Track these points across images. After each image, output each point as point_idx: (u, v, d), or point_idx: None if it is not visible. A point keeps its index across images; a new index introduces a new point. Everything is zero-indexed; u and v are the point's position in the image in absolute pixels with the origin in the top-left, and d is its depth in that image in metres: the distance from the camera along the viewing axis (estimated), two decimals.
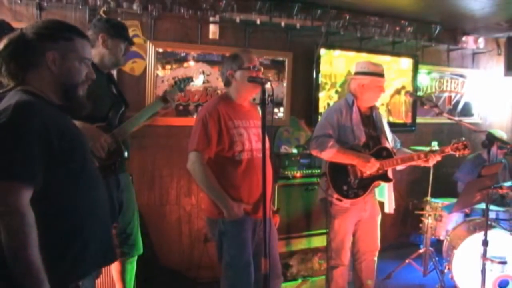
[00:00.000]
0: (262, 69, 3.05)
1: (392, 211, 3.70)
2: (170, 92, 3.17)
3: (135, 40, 4.23)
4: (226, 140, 2.87)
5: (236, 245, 2.92)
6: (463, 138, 3.53)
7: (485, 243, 3.45)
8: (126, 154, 2.99)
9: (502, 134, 5.12)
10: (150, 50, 4.31)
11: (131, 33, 4.20)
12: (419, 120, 5.80)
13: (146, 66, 4.32)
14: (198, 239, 4.63)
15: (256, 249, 2.98)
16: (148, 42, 4.29)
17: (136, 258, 3.27)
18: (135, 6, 4.13)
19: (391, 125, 5.27)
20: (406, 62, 5.64)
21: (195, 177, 2.90)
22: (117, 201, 2.98)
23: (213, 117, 2.87)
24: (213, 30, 4.54)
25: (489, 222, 3.75)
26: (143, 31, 4.28)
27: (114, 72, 4.15)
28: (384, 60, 5.13)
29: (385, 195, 3.70)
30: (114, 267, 3.22)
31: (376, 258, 3.73)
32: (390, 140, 3.66)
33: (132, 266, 3.26)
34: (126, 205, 3.09)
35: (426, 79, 5.98)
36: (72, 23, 3.71)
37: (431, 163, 3.56)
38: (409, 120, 5.73)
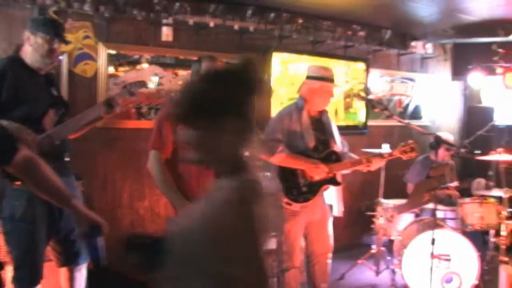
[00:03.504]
0: None
1: (341, 214, 3.76)
2: (115, 97, 3.09)
3: (86, 41, 4.15)
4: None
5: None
6: (411, 141, 3.61)
7: (433, 241, 3.55)
8: (66, 156, 2.91)
9: (448, 136, 5.28)
10: (102, 52, 4.23)
11: (82, 34, 4.13)
12: (370, 122, 5.93)
13: (98, 68, 4.23)
14: None
15: None
16: (100, 43, 4.20)
17: (85, 265, 3.18)
18: (86, 7, 4.04)
19: (344, 128, 5.40)
20: (358, 66, 5.75)
21: (153, 175, 2.96)
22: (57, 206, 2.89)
23: (169, 118, 2.91)
24: (166, 33, 4.49)
25: (437, 222, 3.87)
26: (95, 32, 4.18)
27: (64, 74, 4.07)
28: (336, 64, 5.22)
29: (333, 198, 3.74)
30: (63, 275, 3.12)
31: (329, 261, 3.77)
32: (339, 144, 3.71)
33: (81, 274, 3.16)
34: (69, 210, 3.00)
35: (378, 82, 6.12)
36: (20, 23, 3.67)
37: (373, 167, 3.63)
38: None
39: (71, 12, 4.01)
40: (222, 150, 1.41)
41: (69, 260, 3.06)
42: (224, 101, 1.38)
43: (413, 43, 6.21)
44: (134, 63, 4.43)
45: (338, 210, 3.77)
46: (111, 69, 4.31)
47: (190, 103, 1.37)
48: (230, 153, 1.42)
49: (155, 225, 4.56)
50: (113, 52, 4.30)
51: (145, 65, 4.46)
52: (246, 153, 1.44)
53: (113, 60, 4.31)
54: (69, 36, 3.97)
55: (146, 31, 4.41)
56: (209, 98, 1.37)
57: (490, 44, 5.82)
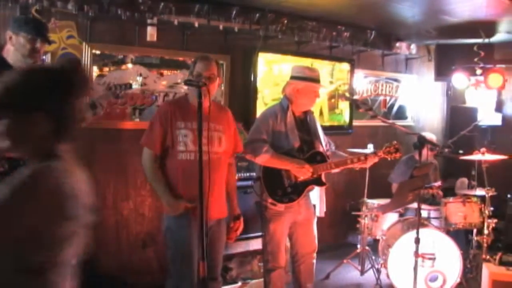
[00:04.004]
0: (212, 79, 3.01)
1: (323, 215, 3.77)
2: (100, 98, 3.08)
3: (70, 41, 4.11)
4: (170, 139, 2.99)
5: (176, 241, 3.03)
6: (395, 142, 3.63)
7: (417, 241, 3.58)
8: None
9: (432, 136, 5.33)
10: (86, 52, 4.18)
11: (65, 33, 4.08)
12: (355, 123, 5.96)
13: None
14: (136, 244, 4.54)
15: (207, 250, 2.99)
16: (84, 43, 4.16)
17: None
18: (70, 6, 3.99)
19: (329, 128, 5.42)
20: (342, 66, 5.77)
21: (144, 172, 3.09)
22: None
23: (161, 117, 3.03)
24: (151, 33, 4.46)
25: (421, 221, 3.90)
26: (79, 32, 4.14)
27: None
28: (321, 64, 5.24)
29: (316, 198, 3.75)
30: None
31: (314, 260, 3.78)
32: (324, 144, 3.72)
33: None
34: None
35: (362, 82, 6.15)
36: (1, 22, 3.61)
37: (369, 164, 3.65)
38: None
39: (54, 11, 3.96)
40: (30, 142, 1.48)
41: None
42: (35, 96, 1.44)
43: (397, 44, 6.26)
44: (118, 63, 4.40)
45: (320, 210, 3.77)
46: (96, 69, 4.27)
47: (2, 93, 1.43)
48: (39, 146, 1.48)
49: (139, 226, 4.54)
50: (97, 52, 4.26)
51: (129, 65, 4.43)
52: (62, 146, 1.53)
53: (98, 60, 4.28)
54: (52, 36, 3.94)
55: (130, 31, 4.38)
56: (20, 91, 1.44)
57: (472, 45, 5.89)
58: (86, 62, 4.17)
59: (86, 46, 4.17)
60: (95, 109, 3.03)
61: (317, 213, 3.77)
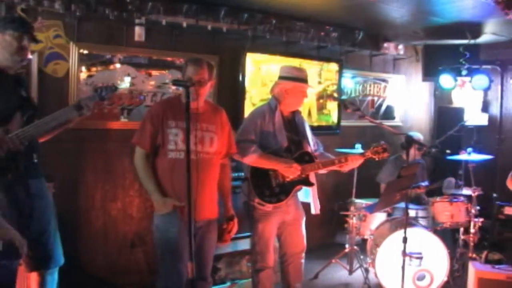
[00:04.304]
0: (202, 83, 3.01)
1: (318, 212, 3.77)
2: (86, 99, 3.04)
3: (57, 41, 4.08)
4: (161, 138, 3.00)
5: (164, 240, 3.03)
6: (382, 142, 3.65)
7: (405, 240, 3.60)
8: (35, 158, 2.86)
9: (419, 136, 5.37)
10: (73, 51, 4.16)
11: (52, 33, 4.06)
12: (343, 123, 5.98)
13: (69, 68, 4.16)
14: (124, 244, 4.52)
15: (196, 250, 2.99)
16: (71, 43, 4.14)
17: (57, 269, 3.12)
18: (57, 5, 3.97)
19: (317, 128, 5.44)
20: (331, 67, 5.79)
21: (136, 170, 3.08)
22: (27, 207, 2.83)
23: (153, 115, 3.05)
24: (138, 33, 4.45)
25: (409, 220, 3.93)
26: (66, 31, 4.11)
27: (34, 74, 4.00)
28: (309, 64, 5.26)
29: (310, 197, 3.76)
30: (33, 279, 3.05)
31: (303, 260, 3.79)
32: (312, 144, 3.73)
33: (53, 278, 3.10)
34: (39, 212, 2.93)
35: (350, 83, 6.18)
36: None
37: (357, 164, 3.65)
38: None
39: (41, 10, 3.94)
40: None
41: (40, 264, 2.98)
42: None
43: (385, 44, 6.30)
44: (106, 63, 4.38)
45: (315, 208, 3.76)
46: (83, 69, 4.24)
47: None
48: None
49: (128, 227, 4.53)
50: (85, 51, 4.23)
51: (117, 65, 4.41)
52: None
53: (85, 60, 4.25)
54: (39, 35, 3.90)
55: (118, 31, 4.37)
56: None
57: (459, 46, 5.95)
58: (73, 62, 4.15)
59: (74, 46, 4.15)
60: (81, 110, 2.98)
61: (312, 211, 3.76)
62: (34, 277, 3.01)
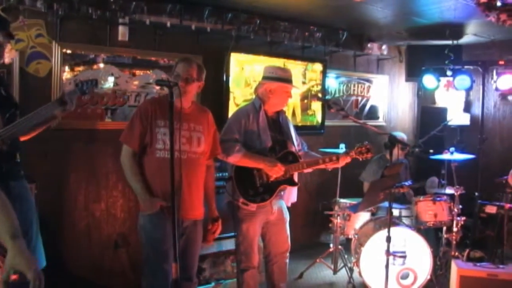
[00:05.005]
0: (189, 80, 3.03)
1: (288, 204, 3.76)
2: (69, 94, 3.00)
3: (39, 40, 4.03)
4: (149, 136, 3.00)
5: (150, 240, 3.03)
6: (366, 142, 3.67)
7: (388, 239, 3.63)
8: (17, 157, 2.83)
9: (402, 135, 5.42)
10: (56, 51, 4.11)
11: (34, 32, 4.01)
12: (327, 123, 6.00)
13: (52, 68, 4.12)
14: (108, 245, 4.49)
15: (181, 250, 2.99)
16: (53, 42, 4.10)
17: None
18: (38, 4, 3.92)
19: (301, 128, 5.45)
20: (315, 67, 5.81)
21: (123, 169, 3.06)
22: None
23: (141, 114, 3.04)
24: (122, 32, 4.41)
25: (392, 220, 3.96)
26: (49, 31, 4.07)
27: (16, 73, 3.95)
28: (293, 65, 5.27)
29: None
30: None
31: (287, 260, 3.80)
32: (296, 144, 3.74)
33: None
34: (21, 215, 2.88)
35: (334, 83, 6.20)
36: None
37: (341, 164, 3.68)
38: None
39: (22, 9, 3.89)
40: None
41: None
42: None
43: (369, 45, 6.33)
44: (90, 62, 4.34)
45: (286, 201, 3.74)
46: (67, 69, 4.20)
47: None
48: None
49: (111, 227, 4.50)
50: (68, 51, 4.19)
51: (101, 65, 4.37)
52: None
53: (68, 59, 4.21)
54: (20, 34, 3.88)
55: (101, 31, 4.33)
56: None
57: (442, 46, 6.00)
58: (56, 62, 4.11)
59: (56, 45, 4.11)
60: (64, 105, 2.94)
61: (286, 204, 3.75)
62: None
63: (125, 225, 4.55)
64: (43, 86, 4.08)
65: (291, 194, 3.72)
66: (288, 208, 3.78)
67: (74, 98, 2.97)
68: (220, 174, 4.28)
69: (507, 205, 4.86)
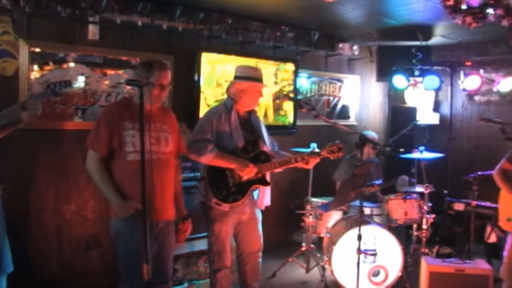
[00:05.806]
0: (166, 87, 3.01)
1: (262, 207, 3.77)
2: (36, 97, 2.94)
3: (5, 37, 3.95)
4: (117, 140, 2.91)
5: (129, 245, 2.90)
6: (338, 141, 3.68)
7: (359, 238, 3.67)
8: None
9: (373, 135, 5.48)
10: (23, 49, 4.03)
11: (0, 29, 3.92)
12: (299, 122, 6.04)
13: (19, 66, 4.03)
14: (79, 247, 4.43)
15: (156, 252, 2.99)
16: (20, 40, 4.01)
17: (5, 276, 3.01)
18: (4, 1, 3.83)
19: (273, 127, 5.47)
20: (287, 67, 5.84)
21: (90, 175, 2.96)
22: None
23: (107, 118, 2.94)
24: (92, 31, 4.35)
25: (364, 218, 4.01)
26: (15, 28, 3.98)
27: None
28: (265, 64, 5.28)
29: (257, 192, 3.73)
30: None
31: (260, 259, 3.81)
32: (268, 144, 3.75)
33: (1, 285, 3.00)
34: None
35: (306, 83, 6.24)
36: None
37: (311, 165, 3.69)
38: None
39: None
40: None
41: None
42: None
43: (340, 45, 6.39)
44: (59, 62, 4.25)
45: (260, 204, 3.74)
46: (36, 68, 4.12)
47: None
48: None
49: (82, 229, 4.44)
50: (36, 50, 4.11)
51: (71, 64, 4.30)
52: None
53: (37, 58, 4.12)
54: None
55: (71, 29, 4.27)
56: None
57: (411, 47, 6.11)
58: (23, 60, 4.03)
59: (24, 44, 4.03)
60: (26, 111, 2.87)
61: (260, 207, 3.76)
62: None
63: (96, 226, 4.49)
64: (9, 85, 4.00)
65: (265, 198, 3.72)
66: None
67: (38, 103, 2.90)
68: (192, 174, 4.27)
69: (474, 202, 4.96)
